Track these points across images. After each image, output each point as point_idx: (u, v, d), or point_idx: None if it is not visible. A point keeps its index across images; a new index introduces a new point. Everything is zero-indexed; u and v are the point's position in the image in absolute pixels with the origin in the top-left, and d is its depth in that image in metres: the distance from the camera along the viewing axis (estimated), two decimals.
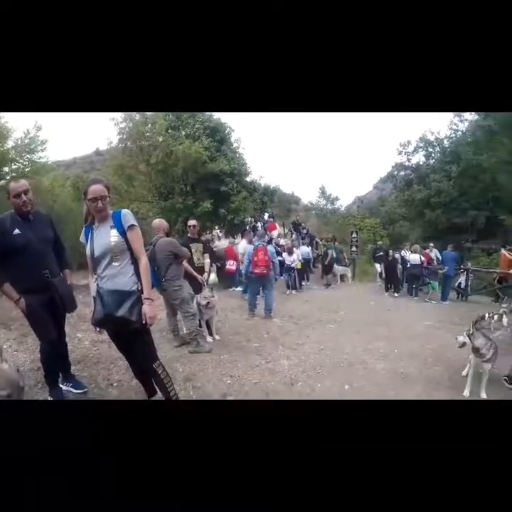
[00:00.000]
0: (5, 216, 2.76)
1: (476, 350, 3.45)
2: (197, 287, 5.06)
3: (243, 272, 6.90)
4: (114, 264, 2.37)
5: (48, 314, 2.82)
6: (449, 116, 21.63)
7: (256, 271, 6.36)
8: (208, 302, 4.82)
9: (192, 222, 5.49)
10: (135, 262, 2.41)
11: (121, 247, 2.35)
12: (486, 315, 6.10)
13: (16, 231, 2.68)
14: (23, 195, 2.68)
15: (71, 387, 3.15)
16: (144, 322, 2.31)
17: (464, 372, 3.96)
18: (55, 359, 3.00)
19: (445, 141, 22.18)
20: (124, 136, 11.81)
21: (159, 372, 2.54)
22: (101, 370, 3.71)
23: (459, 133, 21.72)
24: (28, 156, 11.30)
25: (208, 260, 5.36)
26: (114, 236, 2.34)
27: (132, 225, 2.39)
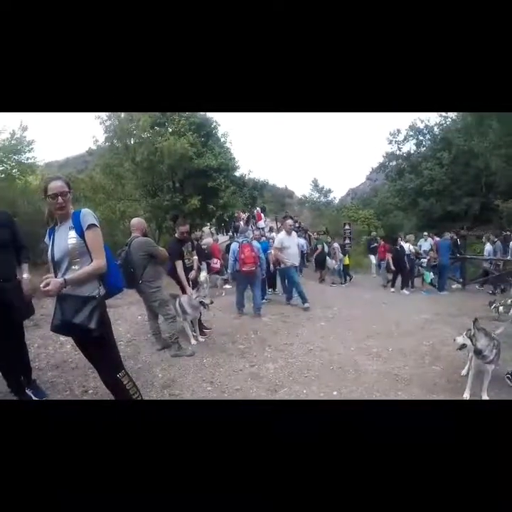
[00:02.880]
0: None
1: (478, 352, 3.07)
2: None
3: (229, 271, 6.56)
4: (73, 267, 2.20)
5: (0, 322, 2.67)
6: None
7: (244, 269, 5.97)
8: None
9: (186, 228, 5.11)
10: None
11: (80, 250, 2.19)
12: (493, 306, 5.86)
13: None
14: None
15: (32, 393, 3.02)
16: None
17: (463, 372, 3.65)
18: (14, 368, 2.92)
19: (435, 128, 21.90)
20: (110, 134, 11.53)
21: (124, 382, 2.35)
22: (78, 376, 3.55)
23: (449, 119, 21.36)
24: (14, 157, 11.19)
25: (195, 257, 5.23)
26: (71, 238, 2.19)
27: (91, 225, 2.22)
